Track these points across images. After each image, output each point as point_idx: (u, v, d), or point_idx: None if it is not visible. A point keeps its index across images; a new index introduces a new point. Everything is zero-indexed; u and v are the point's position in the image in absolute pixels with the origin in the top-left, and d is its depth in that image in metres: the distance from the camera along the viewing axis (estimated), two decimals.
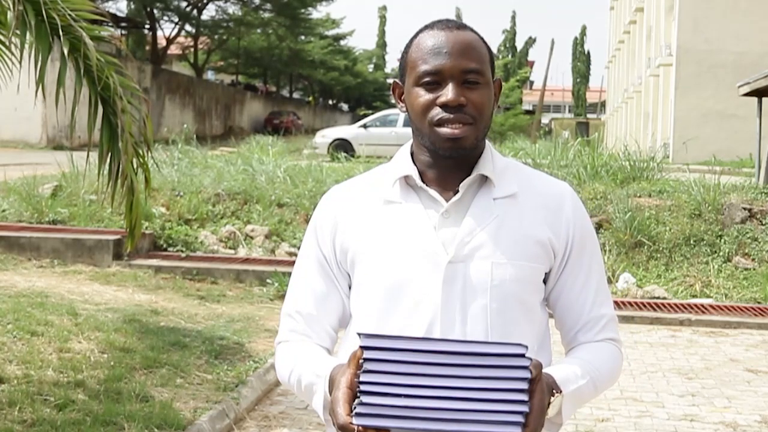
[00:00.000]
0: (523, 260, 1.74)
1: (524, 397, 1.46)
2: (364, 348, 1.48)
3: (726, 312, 8.77)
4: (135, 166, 5.00)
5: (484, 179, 1.78)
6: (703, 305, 9.00)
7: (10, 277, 8.12)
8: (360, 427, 1.48)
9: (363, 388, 1.47)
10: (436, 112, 1.71)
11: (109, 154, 4.78)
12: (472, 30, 1.78)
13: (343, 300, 1.84)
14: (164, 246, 10.01)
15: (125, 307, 7.34)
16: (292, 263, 10.18)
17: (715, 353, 7.47)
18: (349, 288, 1.84)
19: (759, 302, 9.20)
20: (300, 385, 1.76)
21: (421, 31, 1.79)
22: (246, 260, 9.82)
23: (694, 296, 9.41)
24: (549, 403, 1.59)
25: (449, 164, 1.77)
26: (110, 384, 5.15)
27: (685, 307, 8.90)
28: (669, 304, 9.01)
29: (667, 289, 9.52)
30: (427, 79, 1.72)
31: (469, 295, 1.71)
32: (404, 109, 1.81)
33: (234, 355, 6.30)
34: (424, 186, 1.77)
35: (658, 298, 9.29)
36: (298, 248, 10.20)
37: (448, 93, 1.70)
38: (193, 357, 6.03)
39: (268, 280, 9.01)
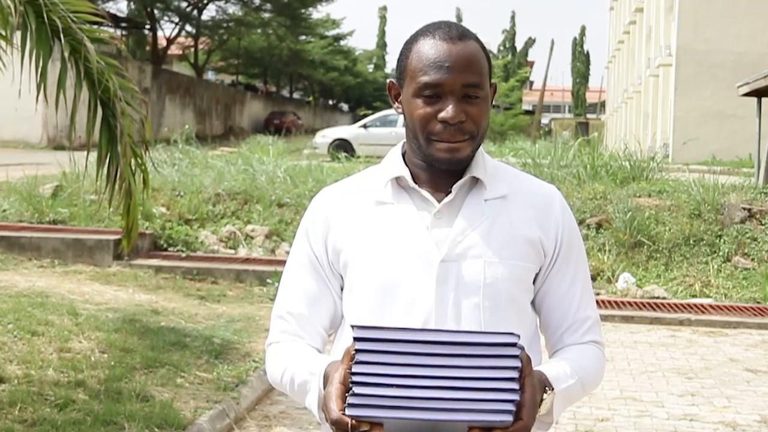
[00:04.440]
0: (514, 260, 1.76)
1: (515, 385, 1.48)
2: (356, 339, 1.49)
3: (725, 312, 8.78)
4: (133, 167, 5.01)
5: (476, 181, 1.80)
6: (702, 305, 9.01)
7: (10, 277, 8.13)
8: (353, 421, 1.48)
9: (355, 379, 1.48)
10: (437, 129, 1.73)
11: (108, 157, 4.80)
12: (473, 38, 1.77)
13: (335, 301, 1.85)
14: (164, 246, 10.03)
15: (125, 307, 7.35)
16: None
17: (714, 353, 7.48)
18: (341, 289, 1.85)
19: (758, 302, 9.21)
20: (293, 384, 1.76)
21: (421, 34, 1.78)
22: (246, 260, 9.83)
23: (694, 296, 9.42)
24: (541, 400, 1.60)
25: (442, 168, 1.79)
26: (110, 384, 5.17)
27: (684, 307, 8.91)
28: (669, 304, 9.01)
29: (667, 288, 9.53)
30: (427, 91, 1.73)
31: (462, 294, 1.73)
32: (400, 110, 1.83)
33: (234, 355, 6.31)
34: (416, 187, 1.79)
35: (657, 297, 9.30)
36: None
37: (449, 111, 1.71)
38: (193, 357, 6.05)
39: (268, 280, 9.02)
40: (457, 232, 1.76)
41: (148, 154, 5.17)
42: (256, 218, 10.80)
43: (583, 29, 78.29)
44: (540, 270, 1.82)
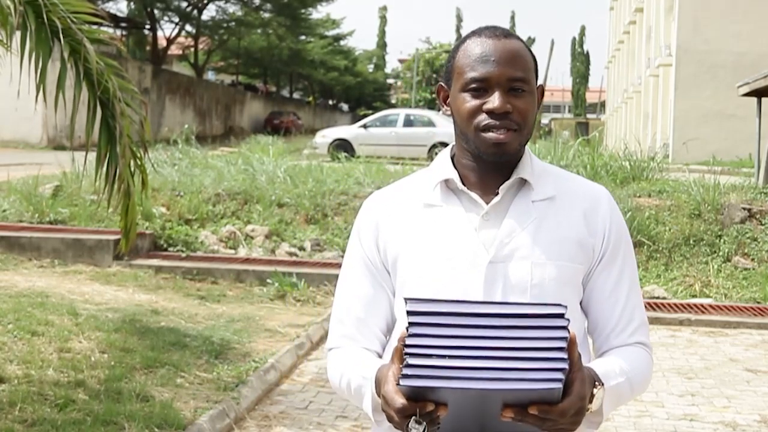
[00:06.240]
0: (562, 260, 1.78)
1: (564, 355, 1.50)
2: (409, 313, 1.52)
3: (725, 312, 8.78)
4: (132, 168, 5.02)
5: (523, 182, 1.82)
6: (702, 305, 9.01)
7: (10, 277, 8.13)
8: (418, 404, 1.50)
9: (408, 350, 1.50)
10: (483, 118, 1.75)
11: (107, 158, 4.80)
12: (517, 38, 1.81)
13: (391, 301, 1.87)
14: (164, 246, 10.02)
15: (125, 307, 7.35)
16: (293, 263, 10.15)
17: (714, 353, 7.49)
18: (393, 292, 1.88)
19: (758, 302, 9.21)
20: (350, 389, 1.80)
21: (468, 37, 1.83)
22: (246, 260, 9.83)
23: (694, 296, 9.42)
24: (592, 396, 1.60)
25: (490, 168, 1.80)
26: (110, 384, 5.17)
27: (684, 307, 8.91)
28: (669, 304, 9.01)
29: (667, 288, 9.53)
30: (474, 85, 1.76)
31: (509, 295, 1.75)
32: (449, 112, 1.85)
33: (234, 355, 6.32)
34: (464, 189, 1.81)
35: (657, 297, 9.30)
36: (299, 248, 10.27)
37: (495, 100, 1.74)
38: (193, 357, 6.05)
39: (268, 280, 9.02)
40: (505, 234, 1.77)
41: (147, 155, 5.17)
42: (256, 218, 10.80)
43: (582, 29, 78.29)
44: (587, 271, 1.84)
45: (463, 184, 1.82)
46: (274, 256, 10.19)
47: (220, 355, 6.25)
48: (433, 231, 1.80)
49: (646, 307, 7.79)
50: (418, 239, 1.81)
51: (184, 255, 9.78)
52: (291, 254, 10.18)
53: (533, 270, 1.75)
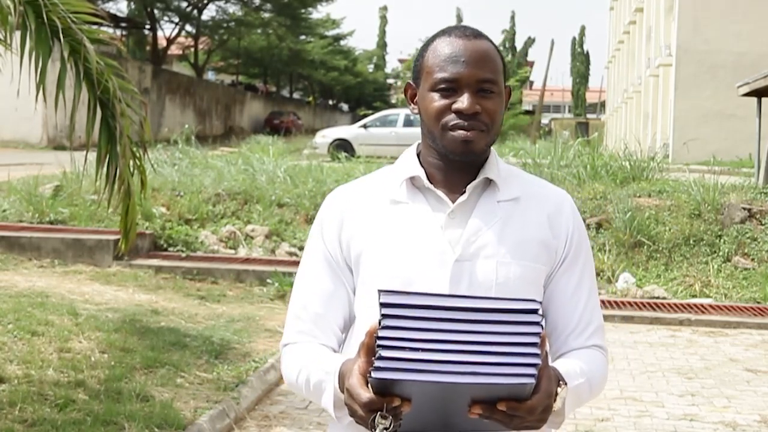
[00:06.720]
0: (526, 260, 1.79)
1: (537, 350, 1.50)
2: (382, 305, 1.51)
3: (725, 312, 8.78)
4: (132, 168, 5.02)
5: (488, 182, 1.83)
6: (702, 305, 9.01)
7: (10, 277, 8.13)
8: (385, 399, 1.49)
9: (381, 342, 1.49)
10: (451, 118, 1.76)
11: (107, 158, 4.80)
12: (487, 39, 1.82)
13: (350, 298, 1.85)
14: (164, 246, 10.02)
15: (125, 307, 7.35)
16: (293, 263, 10.13)
17: (714, 353, 7.49)
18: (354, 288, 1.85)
19: (758, 302, 9.21)
20: (308, 385, 1.76)
21: (437, 36, 1.83)
22: (246, 260, 9.84)
23: (694, 296, 9.42)
24: (556, 394, 1.60)
25: (456, 167, 1.81)
26: (110, 384, 5.17)
27: (684, 307, 8.91)
28: (669, 304, 9.02)
29: (667, 288, 9.53)
30: (443, 85, 1.76)
31: (475, 293, 1.74)
32: (416, 111, 1.85)
33: (234, 355, 6.32)
34: (431, 187, 1.81)
35: (657, 297, 9.30)
36: (299, 248, 10.27)
37: (464, 101, 1.74)
38: (193, 357, 6.05)
39: (268, 280, 9.02)
40: (471, 232, 1.78)
41: (147, 155, 5.17)
42: (256, 218, 10.80)
43: (582, 29, 78.24)
44: (549, 272, 1.85)
45: (430, 181, 1.81)
46: (274, 256, 10.19)
47: (220, 355, 6.25)
48: (399, 228, 1.79)
49: (646, 307, 7.78)
50: (383, 236, 1.79)
51: (184, 255, 9.79)
52: (291, 254, 10.18)
53: (498, 269, 1.76)
